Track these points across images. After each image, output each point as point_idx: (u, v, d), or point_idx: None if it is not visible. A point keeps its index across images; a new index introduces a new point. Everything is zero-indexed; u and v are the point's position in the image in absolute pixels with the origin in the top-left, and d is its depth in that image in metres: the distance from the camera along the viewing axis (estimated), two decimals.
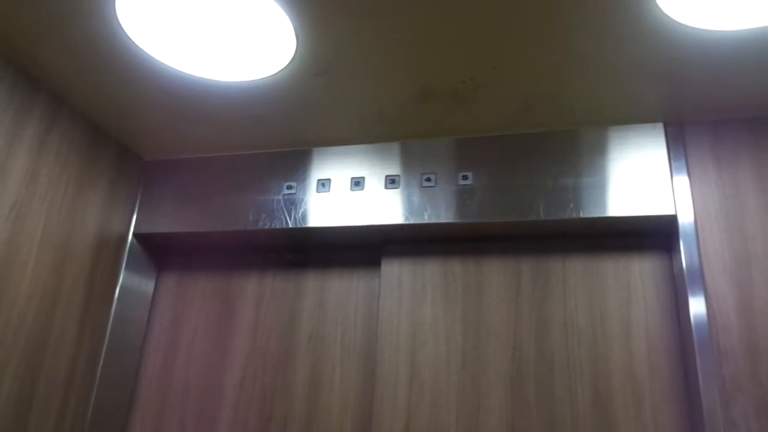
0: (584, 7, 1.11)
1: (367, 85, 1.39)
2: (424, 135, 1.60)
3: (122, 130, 1.65)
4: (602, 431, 1.37)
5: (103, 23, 1.21)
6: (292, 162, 1.69)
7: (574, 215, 1.44)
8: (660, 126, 1.47)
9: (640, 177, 1.43)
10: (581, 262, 1.53)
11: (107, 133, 1.65)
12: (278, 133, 1.62)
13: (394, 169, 1.60)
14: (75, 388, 1.51)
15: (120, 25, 1.21)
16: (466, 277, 1.58)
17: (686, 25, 1.14)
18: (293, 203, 1.63)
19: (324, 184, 1.63)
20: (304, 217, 1.61)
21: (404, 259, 1.63)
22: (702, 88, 1.34)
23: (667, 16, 1.12)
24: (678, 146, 1.44)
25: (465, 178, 1.54)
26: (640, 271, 1.48)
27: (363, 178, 1.61)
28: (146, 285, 1.79)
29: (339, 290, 1.69)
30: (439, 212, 1.52)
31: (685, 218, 1.37)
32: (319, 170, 1.65)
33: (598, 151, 1.48)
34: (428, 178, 1.56)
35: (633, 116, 1.46)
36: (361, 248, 1.70)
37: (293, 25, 1.19)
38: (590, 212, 1.43)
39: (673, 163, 1.43)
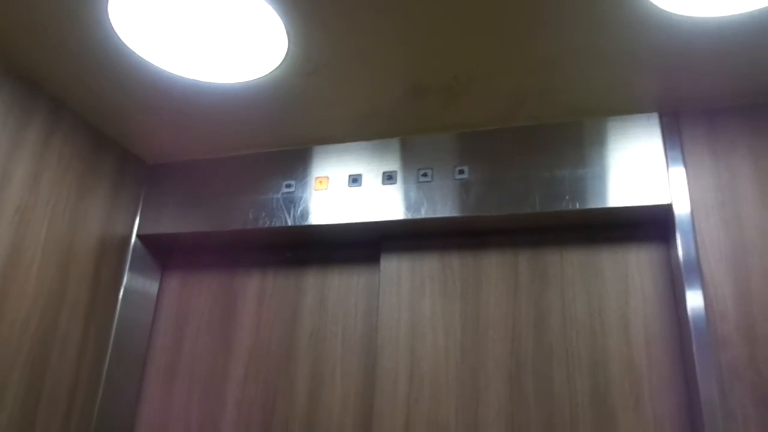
0: (574, 0, 1.12)
1: (361, 82, 1.40)
2: (420, 131, 1.61)
3: (122, 134, 1.68)
4: (601, 422, 1.37)
5: (97, 28, 1.24)
6: (290, 161, 1.70)
7: (571, 207, 1.44)
8: (655, 116, 1.47)
9: (635, 167, 1.43)
10: (578, 253, 1.53)
11: (108, 136, 1.68)
12: (275, 132, 1.64)
13: (391, 166, 1.61)
14: (81, 389, 1.54)
15: (113, 29, 1.23)
16: (464, 271, 1.58)
17: (676, 14, 1.14)
18: (292, 201, 1.65)
19: (322, 181, 1.64)
20: (303, 215, 1.63)
21: (403, 255, 1.64)
22: (696, 77, 1.34)
23: (657, 6, 1.12)
24: (673, 136, 1.44)
25: (461, 172, 1.54)
26: (637, 262, 1.48)
27: (360, 175, 1.62)
28: (150, 285, 1.82)
29: (339, 287, 1.71)
30: (437, 207, 1.53)
31: (682, 208, 1.37)
32: (317, 168, 1.67)
33: (594, 143, 1.48)
34: (425, 173, 1.57)
35: (627, 107, 1.46)
36: (360, 245, 1.71)
37: (284, 24, 1.20)
38: (587, 203, 1.44)
39: (668, 153, 1.43)
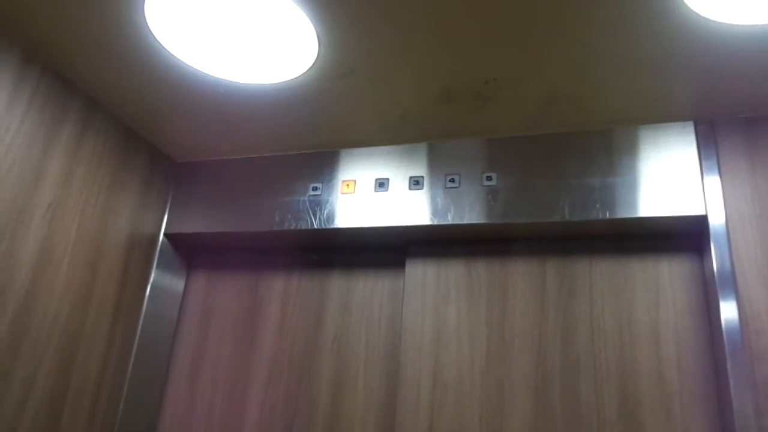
0: (607, 5, 1.10)
1: (390, 87, 1.40)
2: (448, 136, 1.60)
3: (154, 133, 1.70)
4: None
5: (133, 29, 1.25)
6: (317, 163, 1.71)
7: (601, 216, 1.41)
8: (690, 124, 1.44)
9: (669, 177, 1.40)
10: (608, 263, 1.50)
11: (140, 135, 1.70)
12: (303, 134, 1.65)
13: (418, 170, 1.60)
14: (106, 386, 1.55)
15: (150, 30, 1.25)
16: (490, 278, 1.56)
17: (713, 21, 1.11)
18: (318, 204, 1.65)
19: (349, 185, 1.64)
20: (329, 218, 1.63)
21: (428, 260, 1.63)
22: (732, 85, 1.31)
23: (694, 12, 1.10)
24: (709, 145, 1.40)
25: (489, 178, 1.53)
26: (669, 273, 1.45)
27: (387, 179, 1.62)
28: (176, 284, 1.83)
29: (363, 291, 1.70)
30: (464, 213, 1.52)
31: (717, 219, 1.34)
32: (344, 171, 1.67)
33: (626, 151, 1.46)
34: (452, 179, 1.56)
35: (661, 115, 1.43)
36: (385, 249, 1.71)
37: (315, 29, 1.21)
38: (618, 213, 1.41)
39: (703, 162, 1.39)
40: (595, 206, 1.42)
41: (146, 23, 1.23)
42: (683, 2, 1.07)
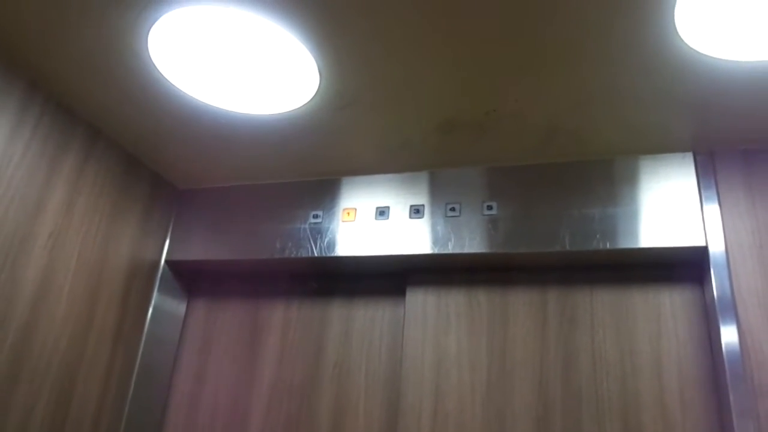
0: (606, 40, 1.11)
1: (391, 117, 1.41)
2: (449, 165, 1.60)
3: (156, 161, 1.71)
4: None
5: (137, 59, 1.27)
6: (318, 191, 1.71)
7: (602, 246, 1.42)
8: (689, 155, 1.45)
9: (669, 207, 1.41)
10: (609, 293, 1.50)
11: (142, 163, 1.71)
12: (304, 163, 1.65)
13: (419, 199, 1.61)
14: (106, 414, 1.54)
15: (152, 61, 1.26)
16: (491, 307, 1.56)
17: (709, 56, 1.13)
18: (319, 232, 1.65)
19: (349, 213, 1.65)
20: (330, 246, 1.63)
21: (429, 289, 1.63)
22: (730, 118, 1.32)
23: (691, 48, 1.11)
24: (708, 175, 1.41)
25: (490, 208, 1.53)
26: (670, 304, 1.45)
27: (388, 207, 1.62)
28: (177, 311, 1.83)
29: (364, 319, 1.69)
30: (464, 242, 1.52)
31: (717, 249, 1.34)
32: (344, 200, 1.67)
33: (626, 181, 1.46)
34: (453, 207, 1.56)
35: (661, 146, 1.44)
36: (385, 277, 1.71)
37: (316, 62, 1.22)
38: (618, 243, 1.41)
39: (703, 193, 1.40)
40: (596, 236, 1.43)
41: (149, 55, 1.25)
42: (681, 39, 1.09)
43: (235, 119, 1.46)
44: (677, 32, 1.07)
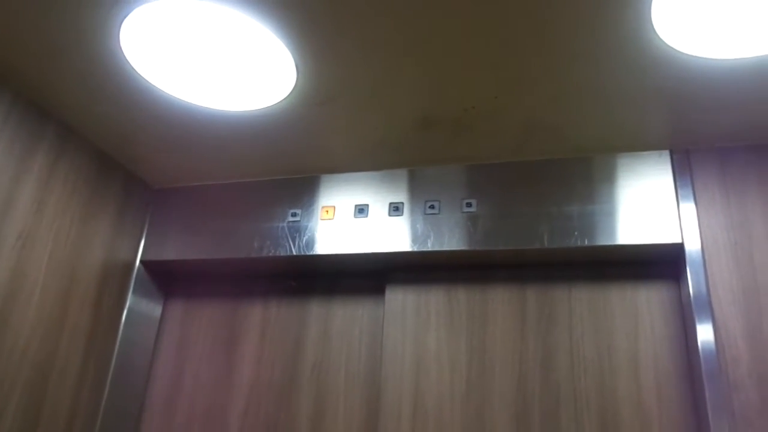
0: (584, 38, 1.11)
1: (369, 114, 1.40)
2: (428, 162, 1.60)
3: (130, 159, 1.68)
4: None
5: (109, 55, 1.24)
6: (296, 189, 1.69)
7: (580, 243, 1.42)
8: (666, 153, 1.46)
9: (646, 205, 1.42)
10: (587, 290, 1.50)
11: (115, 161, 1.67)
12: (282, 160, 1.63)
13: (398, 197, 1.60)
14: (79, 418, 1.51)
15: (125, 56, 1.23)
16: (470, 305, 1.56)
17: (687, 54, 1.13)
18: (298, 231, 1.64)
19: (328, 211, 1.63)
20: (308, 245, 1.61)
21: (408, 287, 1.62)
22: (707, 116, 1.33)
23: (669, 46, 1.12)
24: (684, 174, 1.42)
25: (469, 205, 1.53)
26: (647, 300, 1.46)
27: (367, 205, 1.61)
28: (153, 312, 1.80)
29: (343, 318, 1.68)
30: (443, 240, 1.52)
31: (693, 246, 1.35)
32: (323, 197, 1.66)
33: (604, 179, 1.47)
34: (432, 205, 1.56)
35: (638, 144, 1.45)
36: (365, 276, 1.69)
37: (293, 57, 1.20)
38: (596, 240, 1.42)
39: (679, 191, 1.41)
40: (574, 233, 1.43)
41: (121, 49, 1.22)
42: (658, 36, 1.09)
43: (210, 116, 1.44)
44: (654, 29, 1.08)
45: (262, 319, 1.74)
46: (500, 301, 1.55)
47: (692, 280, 1.32)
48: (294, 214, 1.66)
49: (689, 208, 1.38)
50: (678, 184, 1.41)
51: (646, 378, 1.39)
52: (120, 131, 1.53)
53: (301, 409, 1.60)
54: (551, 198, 1.48)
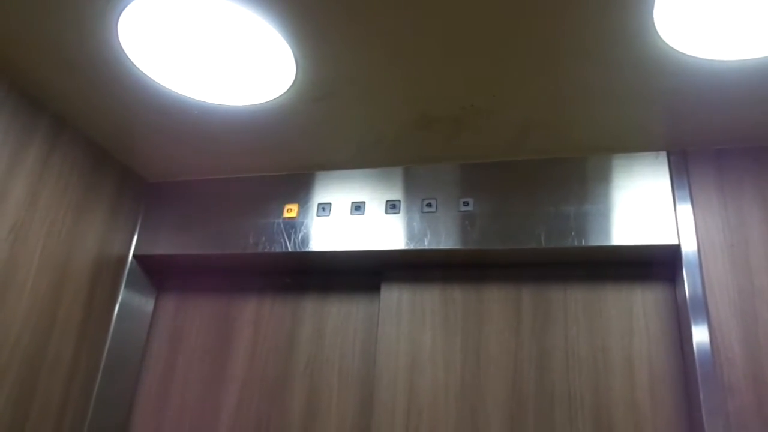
0: (585, 37, 1.11)
1: (367, 110, 1.39)
2: (425, 160, 1.59)
3: (124, 152, 1.66)
4: None
5: (106, 47, 1.22)
6: (292, 185, 1.68)
7: (576, 243, 1.42)
8: (663, 154, 1.46)
9: (642, 205, 1.42)
10: (583, 291, 1.50)
11: (109, 154, 1.66)
12: (279, 156, 1.62)
13: (395, 194, 1.59)
14: (70, 411, 1.50)
15: (122, 49, 1.22)
16: (466, 304, 1.56)
17: (688, 55, 1.13)
18: (293, 227, 1.63)
19: (324, 208, 1.62)
20: (303, 241, 1.60)
21: (404, 285, 1.61)
22: (705, 117, 1.33)
23: (669, 46, 1.11)
24: (681, 175, 1.42)
25: (466, 204, 1.53)
26: (642, 301, 1.46)
27: (363, 202, 1.60)
28: (145, 307, 1.78)
29: (338, 315, 1.67)
30: (440, 238, 1.51)
31: (689, 248, 1.35)
32: (319, 194, 1.65)
33: (601, 179, 1.47)
34: (429, 203, 1.55)
35: (636, 144, 1.45)
36: (360, 273, 1.69)
37: (293, 52, 1.19)
38: (592, 241, 1.42)
39: (676, 192, 1.41)
40: (571, 234, 1.43)
41: (119, 42, 1.20)
42: (659, 36, 1.09)
43: (208, 110, 1.42)
44: (656, 30, 1.07)
45: (255, 315, 1.73)
46: (496, 300, 1.54)
47: (688, 282, 1.32)
48: (289, 210, 1.65)
49: (686, 209, 1.38)
50: (675, 185, 1.42)
51: (641, 379, 1.39)
52: (115, 124, 1.52)
53: (293, 405, 1.59)
54: (548, 198, 1.48)
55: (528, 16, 1.06)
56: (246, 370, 1.67)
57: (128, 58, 1.25)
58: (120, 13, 1.12)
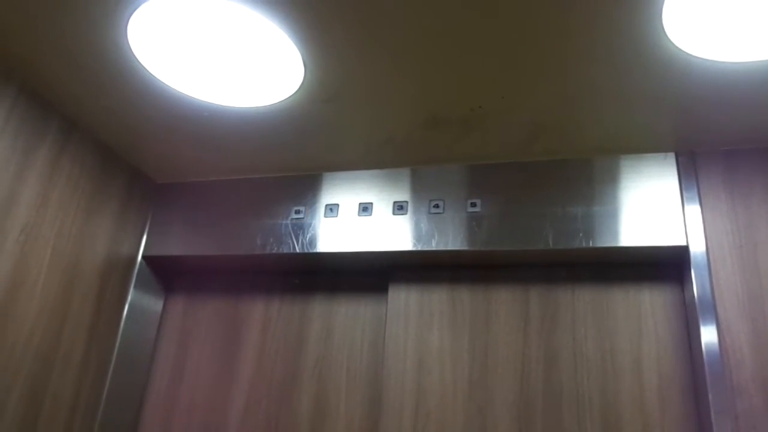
0: (593, 39, 1.11)
1: (376, 111, 1.39)
2: (433, 161, 1.59)
3: (133, 153, 1.67)
4: None
5: (116, 49, 1.23)
6: (300, 186, 1.69)
7: (584, 244, 1.42)
8: (671, 155, 1.46)
9: (651, 207, 1.41)
10: (591, 292, 1.50)
11: (119, 156, 1.67)
12: (287, 157, 1.63)
13: (403, 195, 1.59)
14: (80, 410, 1.51)
15: (132, 51, 1.23)
16: (473, 305, 1.56)
17: (696, 57, 1.13)
18: (301, 228, 1.63)
19: (332, 209, 1.63)
20: (311, 242, 1.61)
21: (411, 286, 1.62)
22: (713, 118, 1.33)
23: (677, 48, 1.11)
24: (690, 176, 1.42)
25: (473, 205, 1.53)
26: (651, 303, 1.46)
27: (371, 203, 1.60)
28: (154, 307, 1.79)
29: (346, 316, 1.68)
30: (447, 239, 1.51)
31: (697, 249, 1.35)
32: (327, 195, 1.65)
33: (609, 180, 1.47)
34: (436, 204, 1.56)
35: (644, 145, 1.45)
36: (368, 274, 1.69)
37: (301, 54, 1.20)
38: (600, 242, 1.41)
39: (684, 193, 1.41)
40: (579, 235, 1.43)
41: (128, 44, 1.21)
42: (668, 38, 1.09)
43: (216, 112, 1.43)
44: (665, 32, 1.07)
45: (264, 316, 1.74)
46: (503, 301, 1.54)
47: (696, 283, 1.32)
48: (298, 212, 1.66)
49: (694, 210, 1.38)
50: (683, 186, 1.41)
51: (649, 380, 1.39)
52: (125, 126, 1.53)
53: (302, 406, 1.60)
54: (556, 199, 1.48)
55: (536, 17, 1.06)
56: (254, 370, 1.68)
57: (138, 60, 1.25)
58: (130, 16, 1.12)
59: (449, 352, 1.52)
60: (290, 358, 1.66)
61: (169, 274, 1.85)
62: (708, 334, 1.27)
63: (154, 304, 1.80)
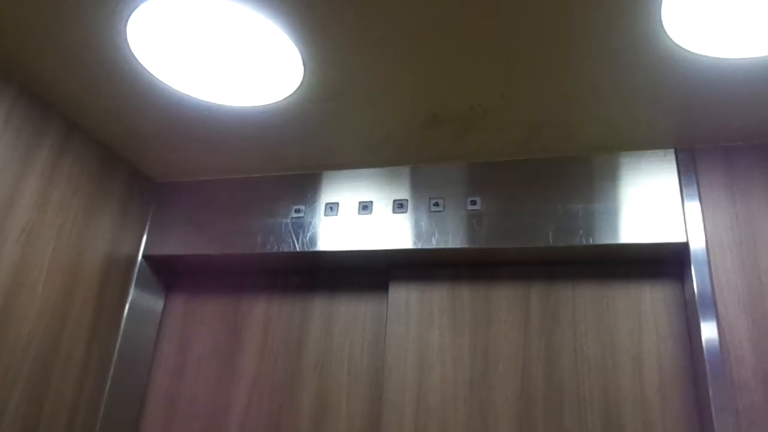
0: (593, 36, 1.11)
1: (375, 110, 1.39)
2: (433, 160, 1.59)
3: (134, 153, 1.67)
4: None
5: (115, 49, 1.23)
6: (300, 185, 1.69)
7: (584, 242, 1.42)
8: (671, 152, 1.46)
9: (651, 203, 1.42)
10: (591, 289, 1.50)
11: (119, 155, 1.67)
12: (287, 156, 1.63)
13: (403, 194, 1.60)
14: (81, 411, 1.51)
15: (131, 51, 1.23)
16: (474, 303, 1.56)
17: (695, 53, 1.13)
18: (301, 227, 1.63)
19: (332, 207, 1.63)
20: (311, 241, 1.61)
21: (412, 284, 1.62)
22: (713, 115, 1.33)
23: (676, 44, 1.11)
24: (689, 173, 1.42)
25: (473, 203, 1.53)
26: (651, 300, 1.46)
27: (371, 202, 1.61)
28: (155, 307, 1.80)
29: (346, 314, 1.68)
30: (448, 237, 1.51)
31: (697, 246, 1.35)
32: (327, 194, 1.66)
33: (609, 178, 1.47)
34: (436, 203, 1.56)
35: (644, 142, 1.45)
36: (368, 273, 1.69)
37: (300, 53, 1.20)
38: (600, 239, 1.42)
39: (684, 190, 1.41)
40: (579, 232, 1.43)
41: (128, 44, 1.21)
42: (667, 35, 1.09)
43: (216, 111, 1.43)
44: (664, 29, 1.07)
45: (264, 315, 1.74)
46: (504, 299, 1.55)
47: (697, 280, 1.32)
48: (298, 211, 1.66)
49: (694, 207, 1.38)
50: (683, 183, 1.41)
51: (650, 377, 1.39)
52: (125, 126, 1.53)
53: (303, 405, 1.60)
54: (556, 196, 1.48)
55: (536, 15, 1.07)
56: (255, 369, 1.68)
57: (137, 59, 1.26)
58: (129, 15, 1.13)
59: (450, 350, 1.52)
60: (291, 357, 1.67)
61: (169, 274, 1.86)
62: (708, 330, 1.28)
63: (155, 303, 1.80)
